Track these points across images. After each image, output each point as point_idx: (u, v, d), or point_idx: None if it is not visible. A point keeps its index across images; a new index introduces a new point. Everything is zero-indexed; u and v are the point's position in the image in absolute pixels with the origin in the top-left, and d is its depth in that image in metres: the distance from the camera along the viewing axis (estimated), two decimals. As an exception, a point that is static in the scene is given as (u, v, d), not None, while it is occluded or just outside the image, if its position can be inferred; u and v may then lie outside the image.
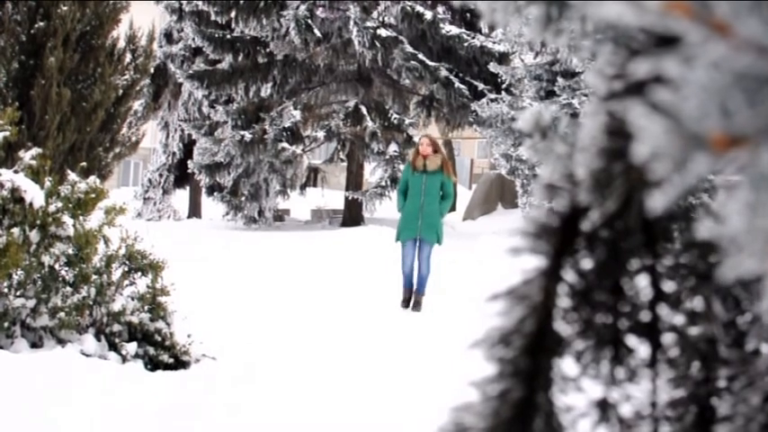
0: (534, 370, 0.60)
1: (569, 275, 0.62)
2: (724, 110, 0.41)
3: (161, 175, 25.51)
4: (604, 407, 0.63)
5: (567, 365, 0.63)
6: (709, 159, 0.41)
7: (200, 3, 19.71)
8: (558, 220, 0.63)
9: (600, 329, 0.62)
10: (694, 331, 0.65)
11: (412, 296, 9.73)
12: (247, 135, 18.14)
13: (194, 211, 25.53)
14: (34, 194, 6.21)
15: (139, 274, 6.87)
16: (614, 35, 0.67)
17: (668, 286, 0.63)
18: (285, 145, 18.17)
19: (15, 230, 6.11)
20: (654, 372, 0.63)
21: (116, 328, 6.54)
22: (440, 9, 19.05)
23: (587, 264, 0.62)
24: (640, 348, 0.64)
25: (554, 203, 0.64)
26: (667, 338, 0.64)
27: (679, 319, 0.63)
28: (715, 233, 0.43)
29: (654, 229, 0.63)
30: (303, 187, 21.39)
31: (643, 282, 0.64)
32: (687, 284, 0.63)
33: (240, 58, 19.50)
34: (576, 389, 0.62)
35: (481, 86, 18.22)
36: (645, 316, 0.63)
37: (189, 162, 20.73)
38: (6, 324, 6.08)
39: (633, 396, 0.64)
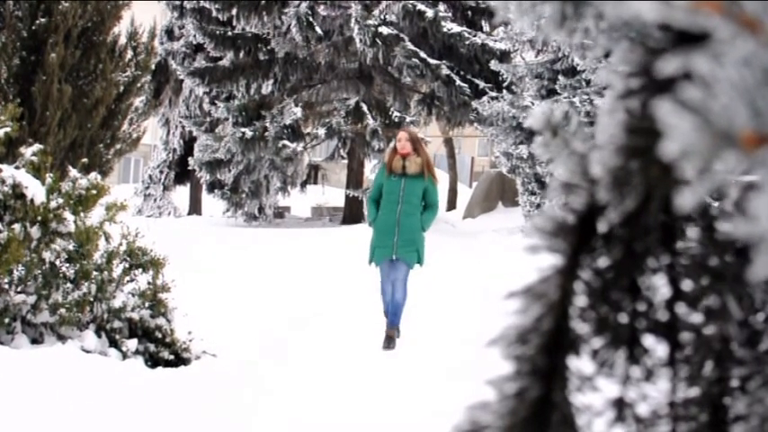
0: (551, 368, 0.59)
1: (586, 274, 0.62)
2: (754, 108, 0.40)
3: (161, 172, 25.53)
4: (620, 406, 0.63)
5: (583, 364, 0.63)
6: (738, 158, 0.41)
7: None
8: (574, 219, 0.62)
9: (616, 328, 0.62)
10: (710, 330, 0.65)
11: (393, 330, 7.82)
12: (248, 132, 18.14)
13: (194, 207, 25.55)
14: (35, 190, 6.22)
15: (140, 270, 6.88)
16: (630, 33, 0.66)
17: (686, 285, 0.63)
18: (286, 142, 18.16)
19: (16, 226, 6.12)
20: (672, 371, 0.63)
21: (116, 324, 6.55)
22: (441, 7, 19.03)
23: (604, 262, 0.62)
24: (657, 347, 0.64)
25: (570, 201, 0.64)
26: (684, 337, 0.63)
27: (696, 318, 0.63)
28: (744, 232, 0.42)
29: (672, 228, 0.62)
30: (303, 185, 21.40)
31: (661, 280, 0.63)
32: (703, 283, 0.62)
33: (241, 56, 19.50)
34: (593, 388, 0.62)
35: (482, 85, 18.23)
36: (662, 315, 0.63)
37: (189, 159, 20.73)
38: (7, 320, 6.09)
39: (650, 395, 0.64)
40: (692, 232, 0.63)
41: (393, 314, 7.76)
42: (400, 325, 7.81)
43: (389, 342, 7.68)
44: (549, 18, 0.71)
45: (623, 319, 0.62)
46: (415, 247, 7.76)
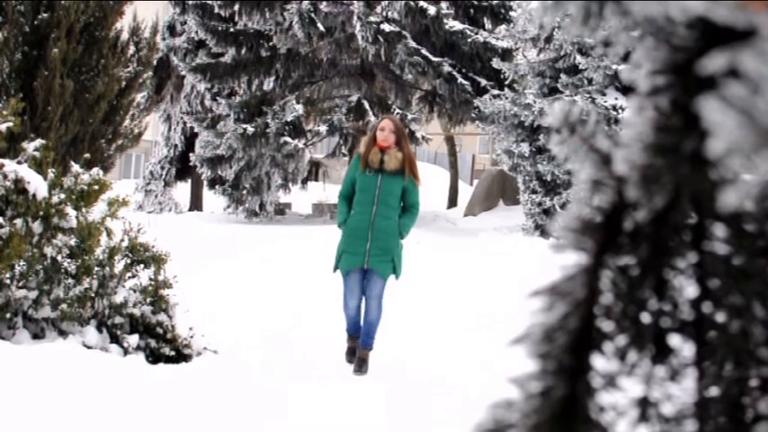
0: (577, 367, 0.59)
1: (612, 272, 0.61)
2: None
3: (163, 168, 25.54)
4: (645, 405, 0.63)
5: (608, 363, 0.62)
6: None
7: (203, -5, 19.74)
8: (601, 216, 0.62)
9: (642, 327, 0.61)
10: (733, 329, 0.64)
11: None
12: (249, 128, 18.13)
13: (195, 203, 25.56)
14: (37, 185, 6.22)
15: (142, 266, 6.89)
16: (655, 30, 0.66)
17: (712, 284, 0.62)
18: (287, 139, 18.16)
19: (18, 221, 6.12)
20: (698, 370, 0.63)
21: (118, 320, 6.55)
22: (443, 4, 19.03)
23: (631, 260, 0.61)
24: (683, 347, 0.64)
25: (595, 199, 0.64)
26: (710, 337, 0.63)
27: (720, 317, 0.63)
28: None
29: (699, 226, 0.62)
30: (305, 181, 21.43)
31: (688, 280, 0.63)
32: (730, 282, 0.62)
33: (243, 52, 19.51)
34: (618, 387, 0.62)
35: (484, 82, 18.23)
36: (688, 314, 0.62)
37: (191, 155, 20.74)
38: (8, 315, 6.09)
39: (674, 395, 0.64)
40: (719, 231, 0.62)
41: (366, 335, 6.75)
42: (371, 352, 6.83)
43: (362, 365, 6.73)
44: (573, 15, 0.70)
45: (649, 317, 0.61)
46: (391, 257, 6.71)
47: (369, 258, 6.67)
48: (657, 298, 0.62)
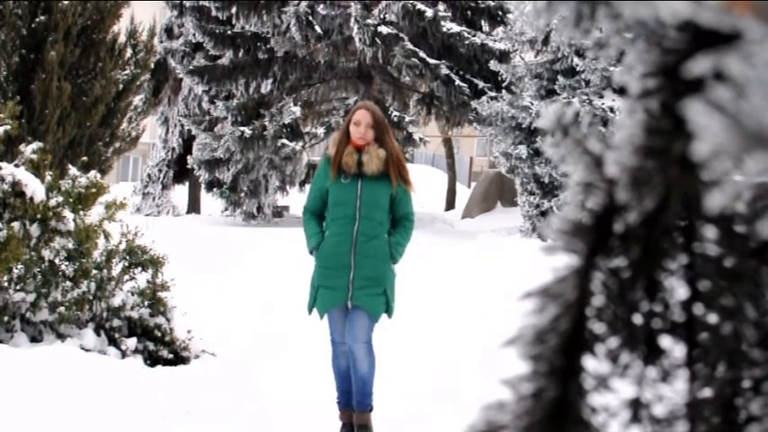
0: (569, 369, 0.59)
1: (603, 274, 0.62)
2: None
3: (160, 171, 25.54)
4: (636, 407, 0.63)
5: (600, 365, 0.63)
6: (768, 158, 0.41)
7: (201, -2, 19.76)
8: (592, 219, 0.62)
9: (634, 328, 0.62)
10: (725, 330, 0.65)
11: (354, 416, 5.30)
12: (247, 131, 18.13)
13: (193, 206, 25.56)
14: (35, 188, 6.23)
15: (139, 269, 6.89)
16: (647, 33, 0.66)
17: (703, 285, 0.63)
18: (285, 141, 18.16)
19: (16, 224, 6.12)
20: (690, 372, 0.63)
21: (116, 323, 6.56)
22: (441, 7, 19.03)
23: (622, 262, 0.62)
24: (674, 348, 0.64)
25: (587, 202, 0.64)
26: (701, 338, 0.63)
27: (712, 319, 0.63)
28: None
29: (689, 228, 0.62)
30: (302, 184, 21.39)
31: (678, 281, 0.64)
32: (721, 284, 0.62)
33: (240, 54, 19.51)
34: (610, 388, 0.62)
35: (481, 84, 18.23)
36: (679, 315, 0.63)
37: (188, 157, 20.73)
38: (6, 318, 6.09)
39: (666, 396, 0.64)
40: (710, 232, 0.63)
41: (361, 394, 5.24)
42: (371, 414, 5.30)
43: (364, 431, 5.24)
44: (565, 18, 0.71)
45: (640, 319, 0.62)
46: (383, 288, 5.16)
47: (353, 292, 5.11)
48: (649, 299, 0.62)
